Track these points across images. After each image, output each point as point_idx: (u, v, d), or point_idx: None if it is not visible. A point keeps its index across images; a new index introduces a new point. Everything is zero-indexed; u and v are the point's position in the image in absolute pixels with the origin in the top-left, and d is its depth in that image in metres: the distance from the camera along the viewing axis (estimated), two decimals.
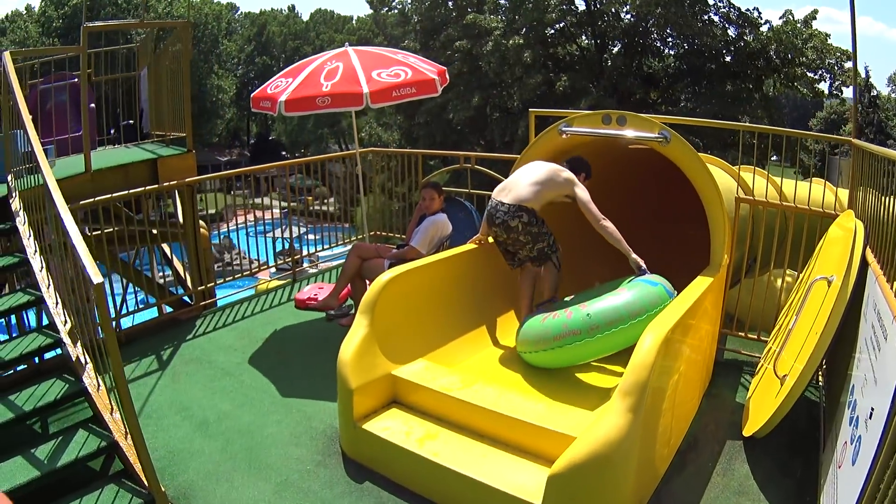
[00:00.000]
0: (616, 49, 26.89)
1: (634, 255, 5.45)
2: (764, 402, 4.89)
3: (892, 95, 32.00)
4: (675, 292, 5.02)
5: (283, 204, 9.70)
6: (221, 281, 8.19)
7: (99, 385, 4.49)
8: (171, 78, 8.19)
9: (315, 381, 5.82)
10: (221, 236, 19.24)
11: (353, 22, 64.45)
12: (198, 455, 4.81)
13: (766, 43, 24.38)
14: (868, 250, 4.66)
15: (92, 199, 6.47)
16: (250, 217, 9.21)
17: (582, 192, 5.58)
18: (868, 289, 4.30)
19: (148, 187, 7.12)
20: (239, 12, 63.10)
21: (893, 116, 33.15)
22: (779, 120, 25.09)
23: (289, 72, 7.09)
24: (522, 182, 5.63)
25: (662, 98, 26.48)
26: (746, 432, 4.88)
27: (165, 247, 8.71)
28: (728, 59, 25.41)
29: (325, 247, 10.02)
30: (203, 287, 7.69)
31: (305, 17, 65.27)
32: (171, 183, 7.34)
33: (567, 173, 5.68)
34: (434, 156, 19.77)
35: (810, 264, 5.85)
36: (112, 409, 4.38)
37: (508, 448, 4.31)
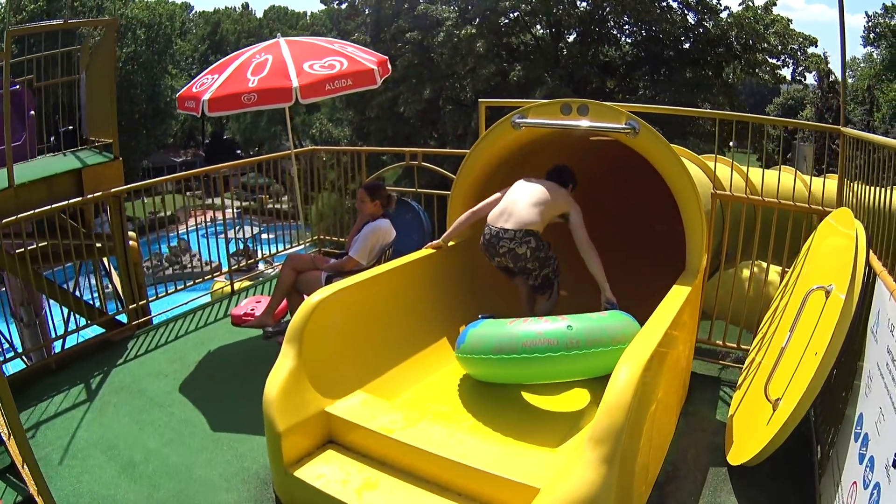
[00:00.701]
0: (572, 38, 26.37)
1: (609, 293, 5.07)
2: (751, 425, 4.44)
3: (850, 80, 31.81)
4: None
5: (238, 203, 9.02)
6: (183, 287, 7.78)
7: (10, 434, 4.07)
8: (99, 80, 7.63)
9: (249, 411, 5.25)
10: (179, 238, 19.28)
11: (308, 18, 64.35)
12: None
13: (727, 29, 24.06)
14: (872, 255, 4.21)
15: (15, 217, 6.03)
16: (205, 218, 8.63)
17: (577, 213, 5.23)
18: (878, 304, 3.80)
19: (72, 200, 6.56)
20: (193, 11, 63.65)
21: (851, 101, 33.10)
22: (740, 106, 24.89)
23: (215, 68, 6.50)
24: (522, 204, 5.17)
25: (620, 86, 26.03)
26: (733, 460, 4.41)
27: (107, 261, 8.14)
28: (687, 45, 25.06)
29: (285, 248, 9.33)
30: (136, 305, 7.14)
31: (259, 15, 65.73)
32: (95, 195, 6.75)
33: (562, 191, 5.33)
34: (380, 153, 19.20)
35: (797, 265, 5.39)
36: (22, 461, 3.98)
37: (460, 499, 3.66)
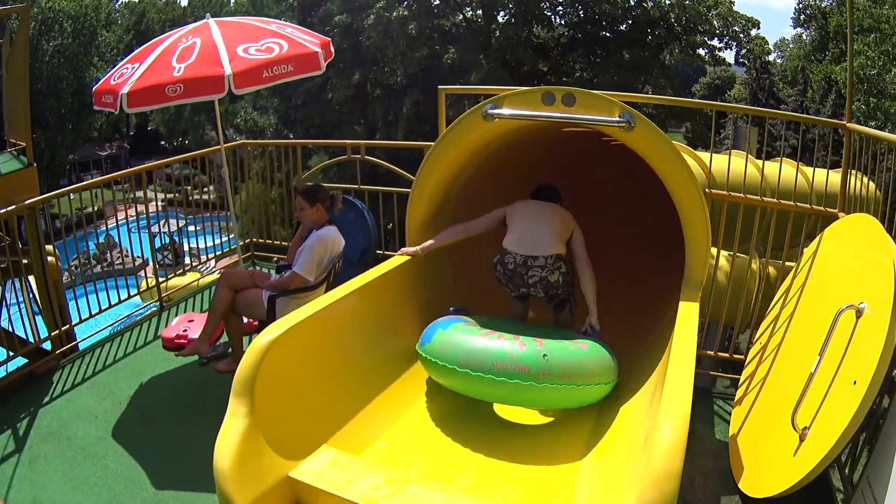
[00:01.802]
0: (504, 19, 25.79)
1: (595, 318, 4.74)
2: (771, 454, 4.01)
3: (779, 61, 32.12)
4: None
5: (163, 196, 8.42)
6: (108, 307, 6.79)
7: None
8: (15, 75, 6.70)
9: (192, 463, 4.54)
10: (107, 234, 18.18)
11: (231, 5, 63.02)
12: None
13: (668, 10, 23.73)
14: None
15: None
16: (132, 212, 8.02)
17: (578, 232, 4.94)
18: None
19: None
20: (119, 2, 61.39)
21: (779, 82, 33.42)
22: (676, 88, 24.78)
23: (136, 55, 5.56)
24: (544, 228, 4.80)
25: (555, 68, 25.54)
26: (752, 492, 3.98)
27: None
28: (623, 27, 24.67)
29: (213, 242, 8.64)
30: (59, 330, 6.21)
31: (184, 3, 63.67)
32: (8, 209, 5.80)
33: (565, 211, 5.01)
34: (315, 146, 18.35)
35: (800, 272, 4.95)
36: None
37: None
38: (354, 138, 22.90)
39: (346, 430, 3.81)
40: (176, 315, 6.82)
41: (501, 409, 4.40)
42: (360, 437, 3.85)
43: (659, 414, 2.83)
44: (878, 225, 4.18)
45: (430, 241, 4.97)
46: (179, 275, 8.17)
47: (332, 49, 6.00)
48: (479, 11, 25.46)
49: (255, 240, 8.55)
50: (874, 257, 3.96)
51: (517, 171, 6.11)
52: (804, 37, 31.50)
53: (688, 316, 3.90)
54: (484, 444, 3.95)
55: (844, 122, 5.43)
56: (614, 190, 7.13)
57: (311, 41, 5.66)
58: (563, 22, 26.29)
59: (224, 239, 8.66)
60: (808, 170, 6.22)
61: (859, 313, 3.73)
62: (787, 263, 5.71)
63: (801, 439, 3.71)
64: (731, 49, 24.82)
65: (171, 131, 54.78)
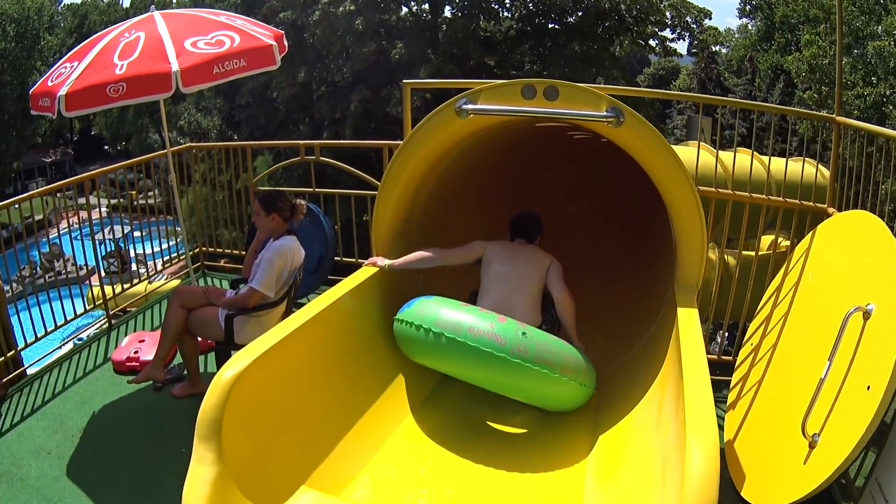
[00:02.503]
0: (450, 13, 25.50)
1: (577, 340, 4.38)
2: (778, 462, 3.83)
3: (724, 51, 32.37)
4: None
5: (108, 202, 7.88)
6: (54, 328, 6.29)
7: None
8: None
9: (153, 498, 4.20)
10: (51, 243, 18.23)
11: (174, 3, 62.11)
12: None
13: (619, 1, 23.60)
14: None
15: None
16: (75, 220, 7.33)
17: (555, 268, 4.64)
18: None
19: None
20: (62, 4, 59.66)
21: (725, 71, 33.68)
22: (630, 79, 24.79)
23: (76, 53, 5.11)
24: (520, 297, 4.46)
25: (503, 62, 25.30)
26: (757, 501, 3.83)
27: None
28: (572, 19, 24.49)
29: (160, 247, 8.10)
30: (4, 357, 5.69)
31: (126, 4, 61.96)
32: None
33: (538, 253, 4.68)
34: (267, 147, 17.81)
35: (792, 271, 4.75)
36: None
37: None
38: (300, 138, 22.50)
39: (325, 467, 3.42)
40: (125, 334, 6.35)
41: (490, 428, 4.09)
42: (342, 473, 3.47)
43: (687, 441, 2.54)
44: (879, 223, 3.99)
45: (399, 260, 4.55)
46: (127, 285, 7.68)
47: (286, 43, 5.61)
48: (426, 5, 25.13)
49: (204, 249, 8.11)
50: (879, 256, 3.78)
51: (486, 169, 5.83)
52: (749, 27, 31.82)
53: (690, 324, 3.62)
54: (474, 470, 3.64)
55: (833, 116, 5.31)
56: (577, 184, 6.88)
57: (264, 34, 5.28)
58: (509, 15, 26.07)
59: (171, 244, 8.32)
60: (772, 160, 6.07)
61: (867, 315, 3.56)
62: (744, 252, 5.69)
63: (812, 447, 3.54)
64: (684, 40, 24.89)
65: (114, 135, 53.33)
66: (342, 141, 10.51)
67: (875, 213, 4.26)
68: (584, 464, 3.62)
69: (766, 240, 6.59)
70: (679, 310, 3.81)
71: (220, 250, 8.24)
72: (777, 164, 5.98)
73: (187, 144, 8.10)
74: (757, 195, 5.25)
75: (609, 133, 3.99)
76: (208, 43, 4.90)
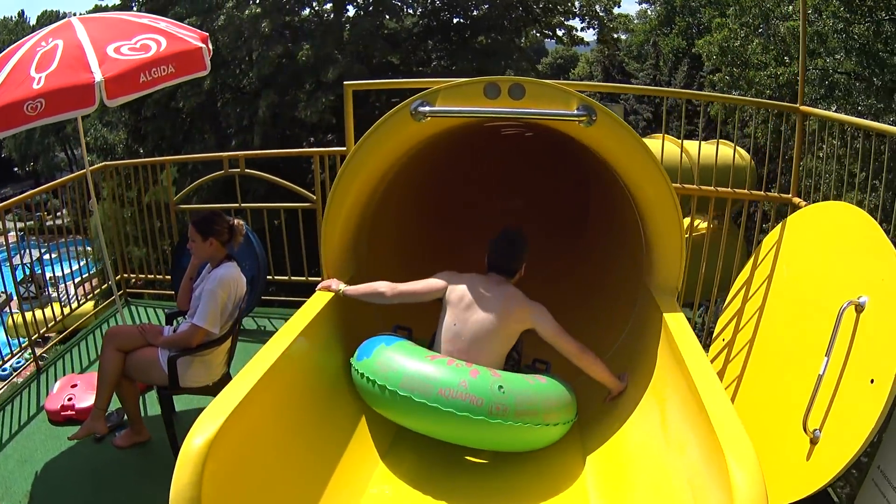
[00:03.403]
0: (354, 12, 25.07)
1: (616, 382, 3.84)
2: (774, 458, 3.71)
3: (623, 37, 32.79)
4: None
5: (20, 225, 7.55)
6: None
7: None
8: None
9: None
10: None
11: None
12: None
13: None
14: None
15: None
16: None
17: (542, 319, 3.76)
18: None
19: None
20: None
21: (625, 56, 34.17)
22: (539, 71, 24.89)
23: None
24: (477, 348, 3.70)
25: (410, 59, 25.04)
26: None
27: None
28: (476, 12, 24.40)
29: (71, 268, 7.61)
30: None
31: (33, 21, 59.55)
32: None
33: (517, 297, 3.81)
34: (186, 161, 17.04)
35: (763, 262, 4.65)
36: None
37: None
38: (206, 148, 21.85)
39: None
40: (55, 377, 5.82)
41: (468, 462, 3.73)
42: None
43: (727, 462, 2.34)
44: (863, 214, 3.89)
45: (354, 289, 4.04)
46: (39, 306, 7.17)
47: (211, 46, 5.20)
48: (328, 5, 24.66)
49: (125, 275, 7.61)
50: (866, 248, 3.70)
51: (436, 172, 5.59)
52: (650, 12, 32.35)
53: (684, 331, 3.45)
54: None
55: (797, 106, 5.22)
56: (523, 179, 6.72)
57: (190, 36, 4.90)
58: (412, 12, 25.80)
59: (82, 264, 7.94)
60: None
61: (860, 308, 3.49)
62: None
63: (813, 443, 3.48)
64: (594, 28, 25.03)
65: (23, 156, 51.06)
66: (270, 151, 10.01)
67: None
68: (583, 491, 3.37)
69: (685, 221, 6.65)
70: (666, 315, 3.63)
71: (144, 276, 7.75)
72: (693, 147, 5.97)
73: (104, 163, 7.57)
74: (722, 189, 5.15)
75: (579, 133, 3.77)
76: (133, 48, 4.51)
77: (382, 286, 3.97)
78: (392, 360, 3.45)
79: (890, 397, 3.16)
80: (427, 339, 3.95)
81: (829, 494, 4.05)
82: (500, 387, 3.27)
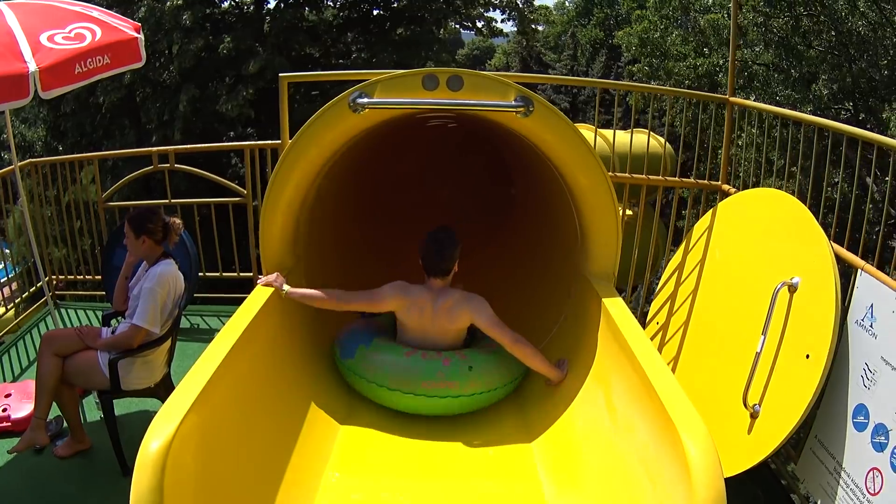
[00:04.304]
0: (274, 4, 24.71)
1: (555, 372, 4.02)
2: (715, 433, 3.57)
3: (540, 28, 33.18)
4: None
5: None
6: None
7: None
8: None
9: None
10: None
11: None
12: None
13: None
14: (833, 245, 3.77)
15: None
16: None
17: (480, 311, 4.03)
18: (869, 297, 3.56)
19: None
20: None
21: (542, 47, 34.60)
22: (459, 62, 24.96)
23: None
24: (436, 345, 4.08)
25: (328, 51, 24.80)
26: None
27: None
28: (396, 4, 24.29)
29: None
30: None
31: None
32: None
33: (455, 297, 4.06)
34: (107, 157, 16.56)
35: (694, 248, 4.74)
36: None
37: None
38: (126, 144, 21.26)
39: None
40: None
41: (423, 444, 3.79)
42: None
43: (681, 436, 2.42)
44: (793, 199, 4.08)
45: (298, 291, 4.09)
46: None
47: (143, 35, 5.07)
48: None
49: (55, 277, 7.37)
50: (796, 231, 3.88)
51: (371, 162, 5.59)
52: (567, 4, 32.84)
53: (624, 315, 3.52)
54: (423, 489, 3.42)
55: (727, 97, 5.39)
56: (448, 168, 6.77)
57: (124, 25, 4.78)
58: (331, 3, 25.56)
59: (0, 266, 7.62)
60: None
61: (793, 288, 3.69)
62: None
63: (754, 417, 3.68)
64: (514, 20, 25.11)
65: None
66: (201, 145, 9.78)
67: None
68: (534, 472, 3.43)
69: None
70: (605, 301, 3.70)
71: (73, 277, 7.53)
72: (620, 137, 6.11)
73: (30, 160, 7.30)
74: (654, 177, 5.26)
75: (516, 123, 3.83)
76: (67, 37, 4.35)
77: (329, 293, 4.11)
78: (375, 359, 3.93)
79: (825, 370, 3.35)
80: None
81: (769, 467, 4.19)
82: (470, 367, 3.84)
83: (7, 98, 4.09)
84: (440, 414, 3.94)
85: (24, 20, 4.38)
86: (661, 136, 7.05)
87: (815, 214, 3.83)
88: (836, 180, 10.82)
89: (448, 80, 3.73)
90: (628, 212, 6.95)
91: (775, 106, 7.31)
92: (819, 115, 5.86)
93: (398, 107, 3.87)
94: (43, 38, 4.26)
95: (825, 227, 3.78)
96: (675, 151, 6.12)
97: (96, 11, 4.84)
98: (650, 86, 6.09)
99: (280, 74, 5.43)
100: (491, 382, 3.88)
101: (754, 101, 12.61)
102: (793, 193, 4.21)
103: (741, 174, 5.67)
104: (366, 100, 3.78)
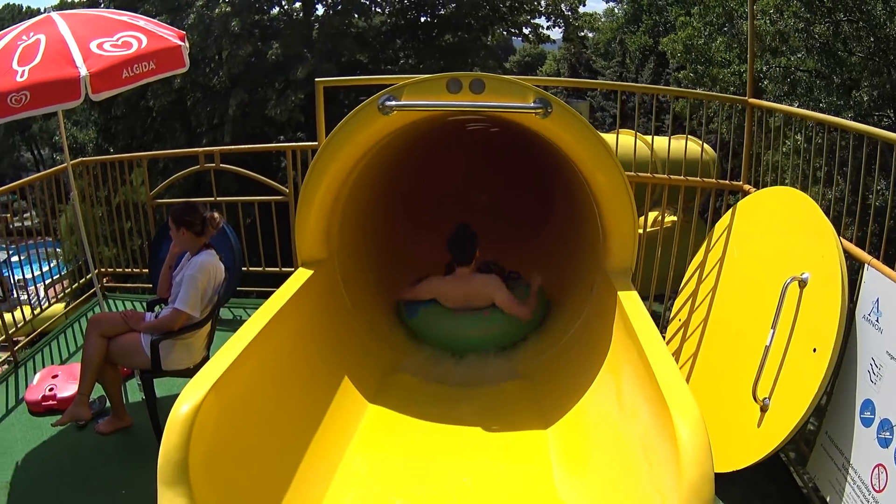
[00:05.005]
0: (322, 11, 25.06)
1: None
2: (726, 426, 4.02)
3: (591, 35, 33.11)
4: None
5: None
6: None
7: None
8: None
9: None
10: None
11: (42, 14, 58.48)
12: None
13: None
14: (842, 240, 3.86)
15: None
16: None
17: (499, 291, 5.15)
18: (875, 292, 3.63)
19: None
20: None
21: (592, 54, 34.51)
22: (505, 69, 25.05)
23: None
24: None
25: (377, 57, 25.09)
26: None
27: None
28: (443, 11, 24.51)
29: (41, 270, 7.50)
30: None
31: None
32: None
33: (481, 285, 5.17)
34: (158, 158, 16.99)
35: (715, 246, 4.86)
36: None
37: None
38: (177, 147, 21.73)
39: (296, 494, 3.15)
40: (34, 370, 5.79)
41: (441, 427, 3.97)
42: (313, 498, 3.25)
43: (673, 418, 2.54)
44: (805, 197, 4.15)
45: (411, 292, 5.28)
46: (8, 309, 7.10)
47: (188, 43, 5.33)
48: (297, 3, 24.63)
49: (102, 270, 7.67)
50: (808, 229, 3.95)
51: (401, 163, 5.76)
52: (616, 10, 32.72)
53: (637, 308, 3.64)
54: (438, 470, 3.59)
55: (746, 98, 5.42)
56: (488, 173, 6.97)
57: (169, 34, 5.00)
58: (380, 10, 25.82)
59: (52, 265, 7.83)
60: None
61: (803, 283, 3.76)
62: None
63: (763, 410, 3.74)
64: (560, 27, 25.21)
65: None
66: (245, 146, 10.10)
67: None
68: (546, 457, 3.58)
69: (652, 215, 6.82)
70: (620, 294, 3.82)
71: (122, 270, 7.82)
72: (660, 142, 6.19)
73: (80, 159, 7.61)
74: (675, 177, 5.35)
75: (537, 124, 3.99)
76: (115, 45, 4.60)
77: (423, 285, 5.27)
78: (438, 322, 5.12)
79: (831, 364, 3.42)
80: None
81: (780, 459, 4.25)
82: (501, 315, 5.00)
83: (60, 100, 4.37)
84: (482, 345, 5.03)
85: (76, 29, 4.66)
86: (711, 143, 7.12)
87: (839, 215, 3.90)
88: (878, 188, 10.69)
89: (471, 84, 3.91)
90: (672, 217, 7.04)
91: (819, 113, 7.29)
92: (861, 122, 5.84)
93: (423, 108, 4.07)
94: (93, 46, 4.52)
95: (836, 222, 3.88)
96: (724, 158, 6.16)
97: (143, 21, 5.10)
98: (669, 88, 6.17)
99: (316, 79, 5.65)
100: (525, 323, 5.03)
101: (798, 107, 12.52)
102: (820, 196, 4.28)
103: (769, 178, 5.68)
104: (394, 102, 3.98)
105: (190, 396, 2.69)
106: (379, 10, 25.63)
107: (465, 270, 5.11)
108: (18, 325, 6.62)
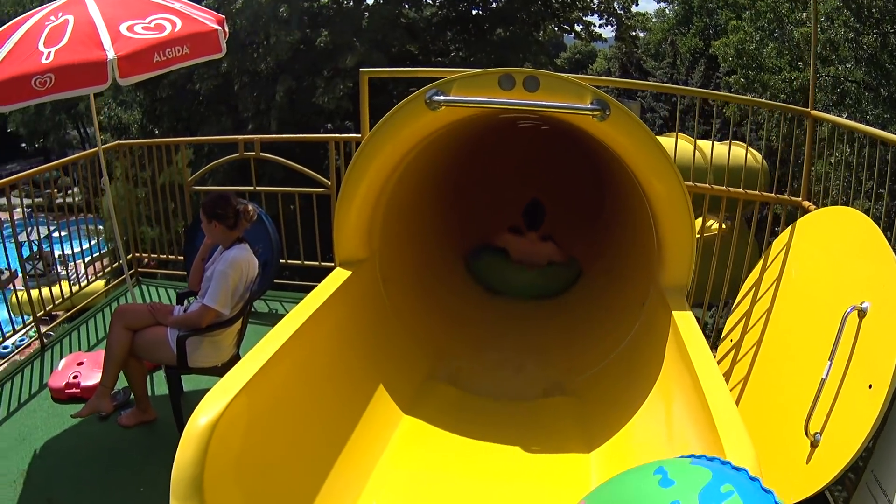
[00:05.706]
0: (372, 0, 24.96)
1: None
2: (775, 460, 3.77)
3: (641, 35, 32.73)
4: None
5: (28, 201, 7.46)
6: None
7: None
8: None
9: None
10: None
11: None
12: None
13: None
14: None
15: None
16: None
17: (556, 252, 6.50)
18: None
19: None
20: None
21: (643, 54, 34.15)
22: (557, 65, 24.80)
23: None
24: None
25: (427, 48, 24.93)
26: None
27: None
28: (495, 4, 24.29)
29: (81, 247, 7.48)
30: None
31: None
32: None
33: (541, 247, 6.40)
34: (201, 143, 17.06)
35: (771, 266, 4.66)
36: None
37: None
38: (222, 131, 21.72)
39: None
40: (60, 354, 5.78)
41: (477, 444, 3.82)
42: None
43: (725, 453, 2.39)
44: (866, 219, 3.92)
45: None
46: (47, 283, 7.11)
47: (227, 28, 5.18)
48: None
49: (137, 255, 7.63)
50: (869, 254, 3.73)
51: (447, 161, 5.62)
52: (667, 11, 32.37)
53: (692, 330, 3.44)
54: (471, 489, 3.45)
55: (808, 110, 5.20)
56: (538, 171, 6.93)
57: (206, 17, 4.88)
58: (431, 2, 25.65)
59: (93, 243, 7.83)
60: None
61: (862, 313, 3.52)
62: None
63: (814, 446, 3.53)
64: (612, 25, 24.90)
65: (31, 133, 50.18)
66: (286, 135, 10.03)
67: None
68: (587, 483, 3.41)
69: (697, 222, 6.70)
70: (675, 314, 3.63)
71: (157, 256, 7.77)
72: (707, 147, 5.99)
73: (117, 142, 7.58)
74: (734, 189, 5.16)
75: (592, 127, 3.81)
76: (147, 27, 4.47)
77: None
78: (496, 270, 6.31)
79: (885, 403, 3.20)
80: None
81: (826, 497, 4.06)
82: (552, 265, 6.29)
83: (86, 84, 4.24)
84: (527, 290, 6.20)
85: (106, 11, 4.53)
86: (759, 150, 6.92)
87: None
88: None
89: (524, 81, 3.71)
90: (722, 225, 6.85)
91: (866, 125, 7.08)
92: None
93: (473, 105, 3.87)
94: (122, 28, 4.40)
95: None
96: (772, 166, 5.98)
97: (178, 3, 4.95)
98: (727, 94, 5.95)
99: (360, 70, 5.51)
100: (556, 277, 6.25)
101: (846, 119, 12.21)
102: (879, 215, 4.08)
103: (831, 192, 5.47)
104: (442, 97, 3.79)
105: (210, 406, 2.54)
106: (430, 2, 25.47)
107: (533, 235, 6.34)
108: (57, 302, 6.62)
